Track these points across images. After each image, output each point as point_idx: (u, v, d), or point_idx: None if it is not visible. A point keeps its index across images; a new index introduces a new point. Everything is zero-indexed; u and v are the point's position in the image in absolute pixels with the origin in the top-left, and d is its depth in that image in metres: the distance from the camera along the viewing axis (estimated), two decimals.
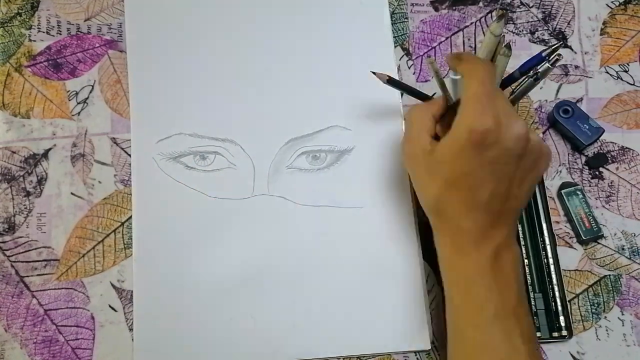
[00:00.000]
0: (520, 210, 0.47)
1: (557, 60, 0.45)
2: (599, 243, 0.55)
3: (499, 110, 0.42)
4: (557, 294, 0.53)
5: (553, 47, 0.46)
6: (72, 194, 0.55)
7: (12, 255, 0.53)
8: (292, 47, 0.58)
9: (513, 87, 0.50)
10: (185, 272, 0.52)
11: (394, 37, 0.59)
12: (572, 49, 0.59)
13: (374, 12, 0.59)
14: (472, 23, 0.60)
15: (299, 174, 0.55)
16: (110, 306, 0.52)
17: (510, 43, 0.47)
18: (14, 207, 0.54)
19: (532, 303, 0.52)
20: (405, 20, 0.60)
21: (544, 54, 0.46)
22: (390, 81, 0.50)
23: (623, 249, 0.54)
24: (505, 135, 0.42)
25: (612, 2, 0.61)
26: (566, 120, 0.56)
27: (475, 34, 0.60)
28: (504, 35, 0.46)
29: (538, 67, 0.46)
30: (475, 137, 0.41)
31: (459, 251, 0.44)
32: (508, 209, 0.44)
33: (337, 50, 0.58)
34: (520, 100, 0.54)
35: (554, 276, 0.53)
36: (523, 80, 0.48)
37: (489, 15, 0.60)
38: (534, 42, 0.59)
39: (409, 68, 0.59)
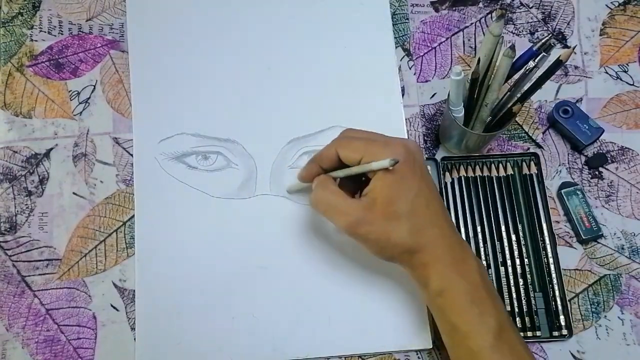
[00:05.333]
0: None
1: (550, 46, 0.46)
2: (598, 242, 0.55)
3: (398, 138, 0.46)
4: (557, 293, 0.53)
5: (543, 41, 0.46)
6: (73, 193, 0.55)
7: (13, 255, 0.53)
8: (293, 47, 0.58)
9: (510, 83, 0.50)
10: (187, 271, 0.52)
11: (395, 37, 0.59)
12: (573, 50, 0.60)
13: (374, 13, 0.60)
14: (472, 23, 0.61)
15: None
16: (112, 305, 0.52)
17: (512, 44, 0.48)
18: (15, 207, 0.54)
19: (532, 302, 0.53)
20: (406, 21, 0.60)
21: (534, 48, 0.46)
22: None
23: (623, 248, 0.55)
24: (416, 151, 0.45)
25: (611, 2, 0.61)
26: (566, 121, 0.56)
27: (475, 34, 0.60)
28: (503, 36, 0.47)
29: (535, 59, 0.46)
30: (406, 152, 0.44)
31: (446, 277, 0.44)
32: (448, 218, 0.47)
33: (338, 51, 0.58)
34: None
35: (554, 275, 0.53)
36: (522, 74, 0.48)
37: (489, 15, 0.61)
38: (534, 43, 0.59)
39: (410, 68, 0.59)
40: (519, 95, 0.49)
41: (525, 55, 0.48)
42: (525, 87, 0.49)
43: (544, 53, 0.46)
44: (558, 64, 0.45)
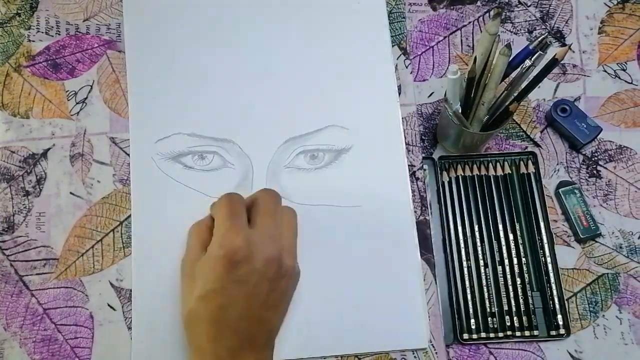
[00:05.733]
0: (275, 333, 0.46)
1: (547, 45, 0.45)
2: (596, 241, 0.55)
3: (252, 232, 0.43)
4: (554, 292, 0.53)
5: (540, 39, 0.46)
6: (71, 193, 0.55)
7: (11, 255, 0.53)
8: (290, 47, 0.58)
9: (506, 82, 0.50)
10: None
11: (392, 36, 0.59)
12: (570, 48, 0.59)
13: (371, 11, 0.59)
14: (470, 22, 0.60)
15: (297, 173, 0.55)
16: (109, 305, 0.52)
17: (508, 42, 0.48)
18: (13, 207, 0.54)
19: (530, 301, 0.52)
20: (403, 19, 0.60)
21: (531, 47, 0.46)
22: None
23: (621, 247, 0.54)
24: (256, 255, 0.43)
25: (610, 0, 0.61)
26: (564, 119, 0.56)
27: (473, 33, 0.60)
28: (499, 35, 0.46)
29: (531, 58, 0.46)
30: (225, 253, 0.42)
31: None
32: (260, 332, 0.44)
33: (335, 50, 0.58)
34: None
35: (551, 275, 0.53)
36: (519, 72, 0.48)
37: (487, 14, 0.60)
38: (531, 41, 0.59)
39: (407, 67, 0.59)
40: (515, 94, 0.49)
41: (522, 53, 0.47)
42: (522, 86, 0.49)
43: (540, 51, 0.46)
44: (554, 62, 0.45)
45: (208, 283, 0.42)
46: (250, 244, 0.43)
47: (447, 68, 0.59)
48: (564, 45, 0.60)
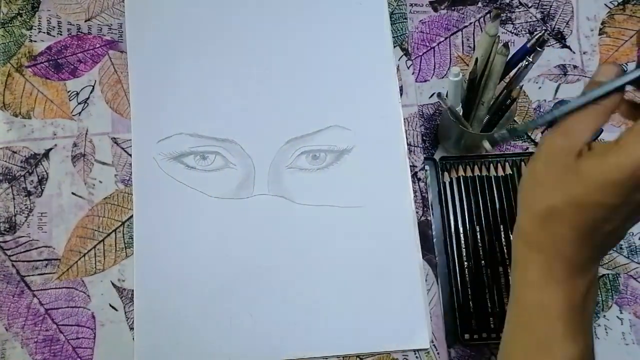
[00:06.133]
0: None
1: (544, 41, 0.45)
2: None
3: None
4: None
5: (536, 37, 0.46)
6: (72, 193, 0.55)
7: (13, 255, 0.53)
8: (292, 47, 0.59)
9: (505, 81, 0.50)
10: (186, 271, 0.53)
11: (393, 37, 0.59)
12: (570, 49, 0.60)
13: (373, 12, 0.60)
14: (470, 23, 0.61)
15: (299, 173, 0.55)
16: (111, 305, 0.52)
17: (509, 43, 0.48)
18: (14, 207, 0.55)
19: None
20: (405, 20, 0.60)
21: (528, 45, 0.46)
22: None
23: (621, 248, 0.54)
24: None
25: (610, 2, 0.61)
26: None
27: (474, 34, 0.60)
28: (499, 36, 0.47)
29: (529, 56, 0.46)
30: (637, 175, 0.35)
31: (551, 277, 0.38)
32: (612, 247, 0.40)
33: (337, 51, 0.59)
34: (519, 99, 0.54)
35: None
36: (517, 70, 0.48)
37: (488, 15, 0.61)
38: (528, 40, 0.59)
39: (408, 68, 0.59)
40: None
41: (519, 52, 0.47)
42: (520, 84, 0.49)
43: (538, 48, 0.46)
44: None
45: (597, 194, 0.36)
46: None
47: (449, 69, 0.59)
48: (565, 46, 0.60)
